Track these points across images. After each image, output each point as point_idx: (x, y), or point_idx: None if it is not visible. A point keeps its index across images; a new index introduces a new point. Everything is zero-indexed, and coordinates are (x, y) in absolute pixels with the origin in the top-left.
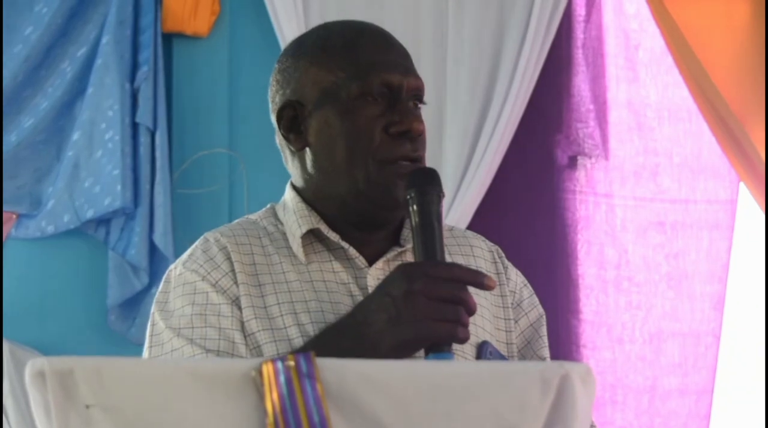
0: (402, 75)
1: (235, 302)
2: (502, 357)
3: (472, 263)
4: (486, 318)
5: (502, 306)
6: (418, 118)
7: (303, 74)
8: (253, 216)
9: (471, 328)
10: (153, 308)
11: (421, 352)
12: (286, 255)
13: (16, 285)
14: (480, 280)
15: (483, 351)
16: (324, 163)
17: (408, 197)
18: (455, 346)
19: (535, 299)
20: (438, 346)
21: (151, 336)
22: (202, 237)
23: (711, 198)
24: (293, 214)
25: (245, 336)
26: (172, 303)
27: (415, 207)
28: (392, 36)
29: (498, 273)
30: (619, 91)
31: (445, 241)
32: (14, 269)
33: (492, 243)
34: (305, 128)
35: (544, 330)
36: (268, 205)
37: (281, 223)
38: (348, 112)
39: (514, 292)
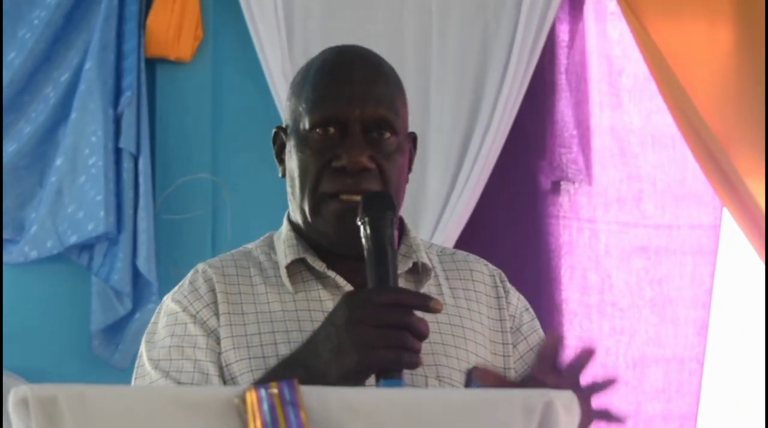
0: (349, 106)
1: (213, 333)
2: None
3: (471, 287)
4: (480, 343)
5: (500, 331)
6: (360, 151)
7: (287, 102)
8: (250, 246)
9: (462, 353)
10: (143, 338)
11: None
12: (274, 284)
13: None
14: (426, 303)
15: (472, 377)
16: (289, 192)
17: (360, 222)
18: (430, 368)
19: (536, 323)
20: (387, 373)
21: (137, 367)
22: (194, 268)
23: (694, 223)
24: (282, 244)
25: (221, 368)
26: (158, 334)
27: (367, 231)
28: (367, 61)
29: (498, 298)
30: (602, 117)
31: (445, 266)
32: None
33: (495, 268)
34: (284, 155)
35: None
36: (267, 234)
37: (274, 253)
38: (302, 144)
39: (514, 317)
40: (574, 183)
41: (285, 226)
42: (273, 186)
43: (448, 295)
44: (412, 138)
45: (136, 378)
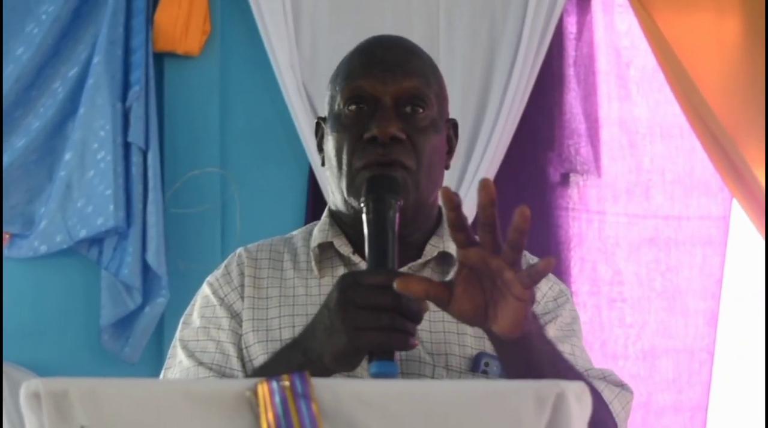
0: (379, 79)
1: (237, 316)
2: (501, 367)
3: None
4: None
5: None
6: (390, 122)
7: (326, 93)
8: (295, 232)
9: (479, 342)
10: (181, 319)
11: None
12: (303, 269)
13: (9, 305)
14: None
15: (478, 363)
16: (328, 176)
17: (363, 204)
18: (440, 356)
19: (561, 310)
20: (378, 355)
21: (171, 347)
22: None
23: (704, 214)
24: (316, 229)
25: (241, 349)
26: (192, 316)
27: (369, 214)
28: (400, 43)
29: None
30: (610, 109)
31: None
32: (6, 289)
33: (533, 257)
34: (324, 144)
35: (548, 329)
36: (316, 221)
37: (311, 238)
38: (335, 123)
39: (539, 303)
40: (582, 175)
41: (325, 213)
42: (281, 179)
43: None
44: (453, 124)
45: (168, 358)
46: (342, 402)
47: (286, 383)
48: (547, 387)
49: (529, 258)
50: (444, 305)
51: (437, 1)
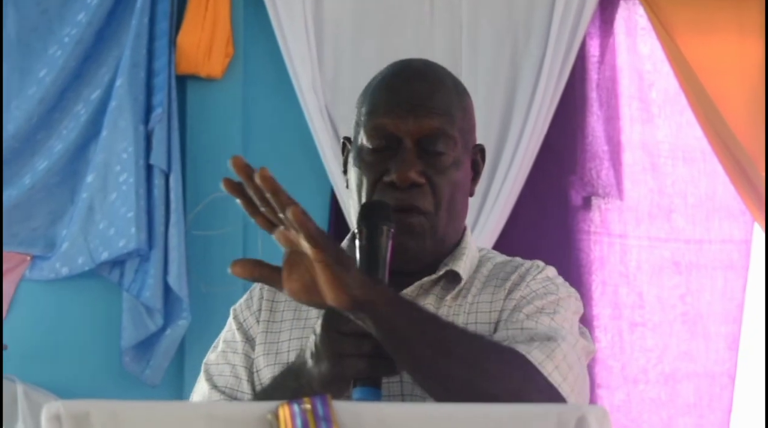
0: (401, 119)
1: (251, 340)
2: None
3: (500, 285)
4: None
5: (507, 309)
6: (409, 167)
7: (355, 109)
8: None
9: None
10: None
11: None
12: None
13: (31, 327)
14: None
15: None
16: (349, 204)
17: (357, 231)
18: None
19: (550, 293)
20: (362, 380)
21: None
22: None
23: (725, 238)
24: None
25: (252, 373)
26: (220, 339)
27: (363, 241)
28: (426, 74)
29: (519, 283)
30: (633, 132)
31: (492, 272)
32: (29, 311)
33: (540, 263)
34: (348, 169)
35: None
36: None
37: None
38: (358, 158)
39: (524, 297)
40: (604, 198)
41: (348, 236)
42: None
43: (474, 294)
44: (480, 149)
45: (197, 382)
46: (363, 425)
47: (308, 406)
48: (569, 410)
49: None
50: (279, 287)
51: (460, 24)
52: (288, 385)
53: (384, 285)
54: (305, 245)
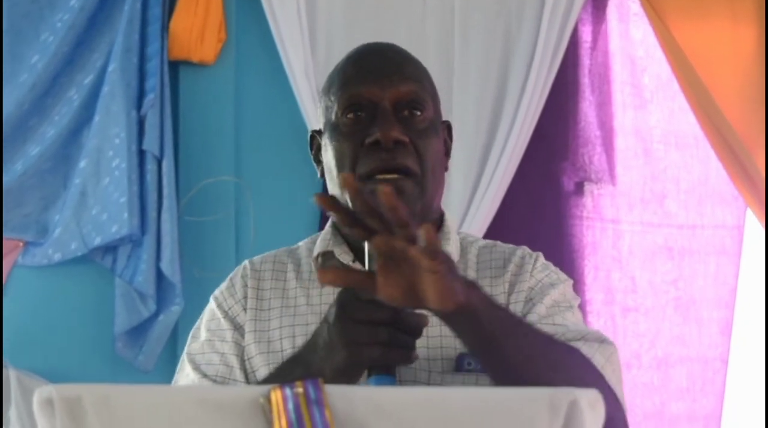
0: (376, 85)
1: (240, 328)
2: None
3: (499, 273)
4: None
5: (513, 303)
6: (391, 126)
7: (319, 103)
8: (301, 243)
9: (450, 341)
10: (190, 333)
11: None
12: (306, 279)
13: (23, 313)
14: None
15: (461, 363)
16: (329, 186)
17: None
18: (435, 362)
19: (555, 287)
20: (377, 369)
21: (180, 361)
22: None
23: (718, 223)
24: (319, 238)
25: (244, 361)
26: (200, 330)
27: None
28: (392, 49)
29: (520, 274)
30: (625, 118)
31: (480, 258)
32: (21, 296)
33: (531, 251)
34: (322, 156)
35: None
36: (317, 233)
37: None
38: (334, 132)
39: (533, 288)
40: (597, 183)
41: (328, 222)
42: (296, 187)
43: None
44: (447, 126)
45: (177, 372)
46: (355, 409)
47: (300, 389)
48: (561, 394)
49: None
50: (370, 293)
51: (452, 9)
52: (296, 374)
53: (481, 290)
54: (413, 253)
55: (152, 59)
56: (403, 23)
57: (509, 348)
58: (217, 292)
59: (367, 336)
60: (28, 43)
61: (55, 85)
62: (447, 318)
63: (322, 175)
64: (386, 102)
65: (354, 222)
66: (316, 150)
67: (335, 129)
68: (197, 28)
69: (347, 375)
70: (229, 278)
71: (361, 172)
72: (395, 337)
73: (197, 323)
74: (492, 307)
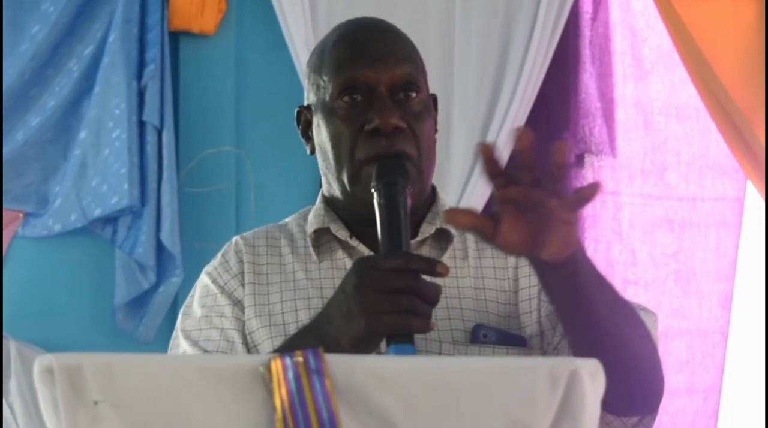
0: (372, 68)
1: (239, 303)
2: (503, 335)
3: (501, 255)
4: (502, 302)
5: (528, 276)
6: (390, 113)
7: (307, 80)
8: (288, 219)
9: (481, 316)
10: (181, 310)
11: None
12: (302, 254)
13: (23, 284)
14: (432, 267)
15: (477, 334)
16: (322, 166)
17: (373, 189)
18: (445, 332)
19: None
20: (397, 338)
21: (173, 338)
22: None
23: (718, 196)
24: (311, 215)
25: (245, 335)
26: (192, 306)
27: (381, 198)
28: (383, 27)
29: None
30: (626, 89)
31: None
32: (21, 268)
33: None
34: (311, 133)
35: None
36: (305, 208)
37: (307, 224)
38: (330, 115)
39: None
40: (597, 155)
41: (318, 199)
42: (297, 158)
43: (473, 257)
44: (433, 99)
45: (171, 349)
46: (356, 378)
47: (300, 359)
48: (561, 364)
49: None
50: (488, 239)
51: None
52: (309, 345)
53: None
54: (553, 204)
55: (152, 30)
56: None
57: (598, 302)
58: (209, 268)
59: (388, 305)
60: (29, 13)
61: (56, 56)
62: (550, 266)
63: (312, 151)
64: (382, 86)
65: (500, 172)
66: (304, 125)
67: (331, 112)
68: None
69: (366, 345)
70: (220, 254)
71: (360, 157)
72: (416, 305)
73: (187, 300)
74: (587, 259)
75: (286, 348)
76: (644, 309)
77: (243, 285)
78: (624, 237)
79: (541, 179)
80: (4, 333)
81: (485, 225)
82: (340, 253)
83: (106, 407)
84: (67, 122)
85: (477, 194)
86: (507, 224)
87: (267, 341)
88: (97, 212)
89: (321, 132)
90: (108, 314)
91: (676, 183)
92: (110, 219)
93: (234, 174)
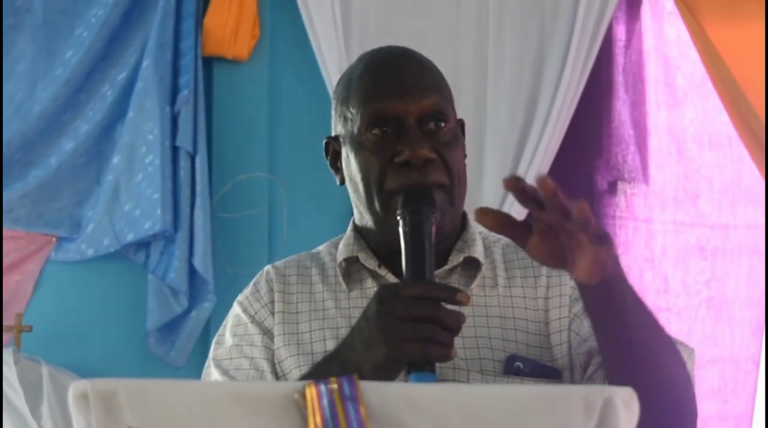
0: (400, 100)
1: (269, 332)
2: (537, 366)
3: (531, 274)
4: (532, 332)
5: (558, 307)
6: (420, 144)
7: (334, 111)
8: (320, 247)
9: (510, 345)
10: (214, 339)
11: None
12: (332, 283)
13: (56, 308)
14: (452, 296)
15: (510, 365)
16: (353, 197)
17: (399, 217)
18: (474, 361)
19: None
20: (417, 366)
21: (205, 367)
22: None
23: (751, 223)
24: (342, 244)
25: (274, 364)
26: (224, 336)
27: (406, 226)
28: (409, 57)
29: (561, 275)
30: (659, 117)
31: (506, 257)
32: (54, 292)
33: None
34: (340, 163)
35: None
36: (338, 237)
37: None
38: (359, 147)
39: (575, 288)
40: (630, 183)
41: (349, 228)
42: (329, 184)
43: (503, 285)
44: (461, 124)
45: (203, 377)
46: (390, 405)
47: (335, 386)
48: (595, 392)
49: None
50: (521, 245)
51: (487, 7)
52: (332, 372)
53: (619, 263)
54: (582, 238)
55: (186, 55)
56: (438, 20)
57: (634, 327)
58: (241, 297)
59: (410, 333)
60: (63, 38)
61: (89, 81)
62: (584, 287)
63: (342, 182)
64: (411, 118)
65: (534, 202)
66: (333, 156)
67: (360, 145)
68: (231, 25)
69: (386, 372)
70: (252, 283)
71: (390, 188)
72: (436, 334)
73: (221, 329)
74: (625, 283)
75: (311, 375)
76: (682, 343)
77: (273, 314)
78: (656, 265)
79: (571, 213)
80: (36, 357)
81: (516, 232)
82: (370, 282)
83: None
84: (101, 147)
85: None
86: (538, 238)
87: (295, 370)
88: (130, 237)
89: (350, 164)
90: (140, 339)
91: (709, 210)
92: (143, 244)
93: (267, 199)
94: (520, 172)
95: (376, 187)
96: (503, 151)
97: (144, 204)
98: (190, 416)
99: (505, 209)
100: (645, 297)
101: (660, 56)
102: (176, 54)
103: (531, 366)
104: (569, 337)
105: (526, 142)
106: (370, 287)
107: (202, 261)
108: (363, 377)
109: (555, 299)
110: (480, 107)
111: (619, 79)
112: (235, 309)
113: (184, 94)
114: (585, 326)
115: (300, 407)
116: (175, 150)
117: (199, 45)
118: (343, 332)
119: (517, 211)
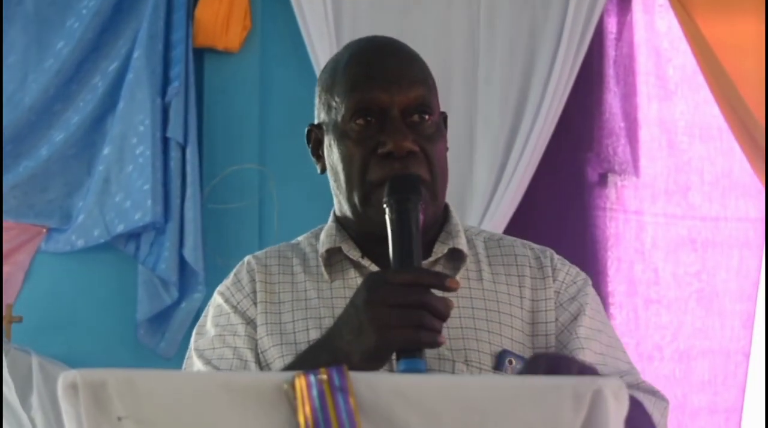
0: (385, 91)
1: (252, 322)
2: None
3: (514, 272)
4: (516, 328)
5: (543, 311)
6: (404, 136)
7: (318, 99)
8: (300, 238)
9: (494, 338)
10: (194, 330)
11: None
12: (314, 273)
13: (45, 299)
14: (441, 282)
15: (502, 360)
16: (333, 186)
17: (385, 205)
18: (459, 352)
19: (583, 293)
20: (407, 353)
21: (186, 357)
22: (241, 260)
23: (741, 216)
24: (323, 234)
25: (258, 354)
26: (206, 326)
27: (392, 214)
28: (396, 48)
29: (545, 278)
30: (650, 109)
31: (489, 252)
32: (43, 283)
33: (542, 248)
34: (322, 152)
35: (582, 322)
36: (317, 227)
37: (318, 243)
38: (343, 136)
39: (559, 292)
40: (621, 175)
41: (330, 218)
42: (319, 176)
43: (488, 280)
44: (444, 117)
45: (184, 368)
46: (379, 396)
47: (324, 376)
48: (585, 384)
49: (558, 265)
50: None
51: (478, 1)
52: (320, 360)
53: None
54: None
55: (177, 46)
56: (429, 13)
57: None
58: (222, 288)
59: (399, 319)
60: (54, 30)
61: (80, 72)
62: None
63: (323, 170)
64: (395, 109)
65: None
66: (315, 144)
67: (343, 134)
68: (222, 16)
69: (376, 359)
70: (233, 273)
71: (372, 179)
72: (426, 320)
73: (201, 320)
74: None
75: (297, 364)
76: (657, 393)
77: (255, 304)
78: (647, 257)
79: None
80: (26, 348)
81: None
82: (352, 273)
83: (129, 423)
84: (91, 138)
85: (499, 215)
86: None
87: (279, 359)
88: (120, 228)
89: (333, 153)
90: (130, 329)
91: (700, 203)
92: (133, 235)
93: (257, 191)
94: (510, 165)
95: (357, 178)
96: (494, 142)
97: (134, 195)
98: (179, 406)
99: (495, 201)
100: (635, 289)
101: (651, 48)
102: (167, 45)
103: (522, 363)
104: (555, 343)
105: (517, 133)
106: (353, 277)
107: (192, 253)
108: (352, 365)
109: (541, 302)
110: (471, 99)
111: (610, 71)
112: (216, 299)
113: (175, 85)
114: (573, 339)
115: (289, 397)
116: (165, 141)
117: (190, 36)
118: (327, 322)
119: (506, 206)
